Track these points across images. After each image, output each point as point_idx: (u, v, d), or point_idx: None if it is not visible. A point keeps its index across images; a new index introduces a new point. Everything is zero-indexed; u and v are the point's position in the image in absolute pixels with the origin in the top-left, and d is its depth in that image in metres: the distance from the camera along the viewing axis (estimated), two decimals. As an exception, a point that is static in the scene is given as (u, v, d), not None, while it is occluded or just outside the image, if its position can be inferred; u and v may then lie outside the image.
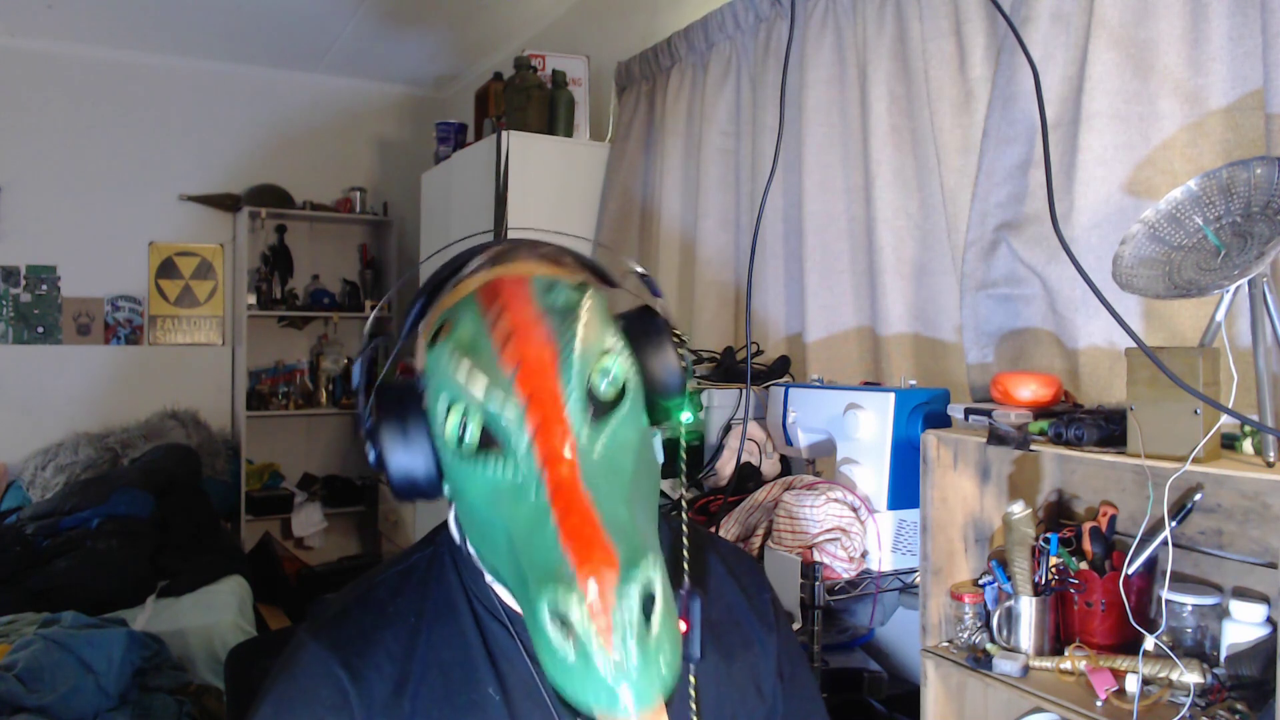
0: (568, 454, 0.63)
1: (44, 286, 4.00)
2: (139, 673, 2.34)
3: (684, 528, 0.79)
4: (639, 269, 0.82)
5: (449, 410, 0.67)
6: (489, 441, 0.66)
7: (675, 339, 0.76)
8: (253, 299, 4.12)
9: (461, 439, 0.67)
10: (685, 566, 0.74)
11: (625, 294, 0.83)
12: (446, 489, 0.72)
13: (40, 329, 4.00)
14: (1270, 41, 1.18)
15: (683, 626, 0.70)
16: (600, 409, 0.67)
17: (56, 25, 3.76)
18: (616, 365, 0.69)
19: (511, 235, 0.84)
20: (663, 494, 1.78)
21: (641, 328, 0.75)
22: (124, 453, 3.83)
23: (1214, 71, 1.27)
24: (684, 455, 0.79)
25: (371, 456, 0.73)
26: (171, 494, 3.50)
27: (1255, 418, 0.98)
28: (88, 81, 4.02)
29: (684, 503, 0.80)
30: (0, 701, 2.03)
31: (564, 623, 0.57)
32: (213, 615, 2.86)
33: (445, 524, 0.84)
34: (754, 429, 1.75)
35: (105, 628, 2.34)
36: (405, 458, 0.70)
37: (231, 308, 4.35)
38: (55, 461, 3.73)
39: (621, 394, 0.69)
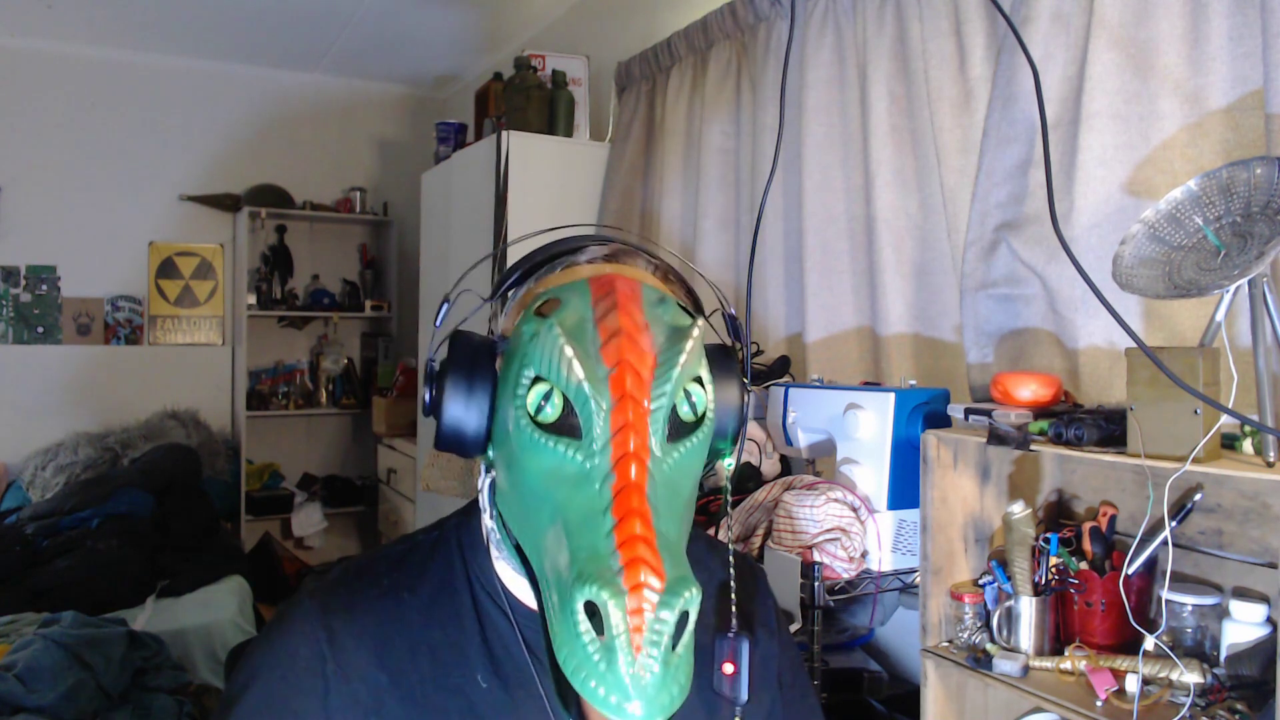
0: (643, 458, 0.63)
1: (44, 286, 4.00)
2: (139, 673, 2.33)
3: (731, 570, 0.78)
4: (731, 311, 0.82)
5: (534, 383, 0.67)
6: (565, 421, 0.66)
7: (744, 386, 0.77)
8: (253, 299, 4.13)
9: (540, 411, 0.67)
10: (734, 609, 0.74)
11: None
12: (490, 452, 0.72)
13: (40, 329, 4.00)
14: (1270, 41, 1.18)
15: (729, 669, 0.70)
16: (676, 431, 0.68)
17: (56, 25, 3.76)
18: (701, 395, 0.70)
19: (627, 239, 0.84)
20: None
21: (717, 366, 0.75)
22: (124, 453, 3.82)
23: (1214, 71, 1.27)
24: (729, 499, 0.78)
25: (427, 397, 0.73)
26: (171, 494, 3.50)
27: (1255, 418, 0.98)
28: (88, 81, 4.02)
29: (731, 545, 0.80)
30: (0, 701, 2.03)
31: (594, 614, 0.58)
32: (213, 615, 2.86)
33: (455, 511, 0.84)
34: (754, 429, 1.75)
35: (105, 628, 2.34)
36: (461, 409, 0.70)
37: (231, 308, 4.36)
38: (55, 461, 3.73)
39: (699, 422, 0.70)
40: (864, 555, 1.43)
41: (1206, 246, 1.06)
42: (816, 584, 1.36)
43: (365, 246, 4.61)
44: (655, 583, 0.57)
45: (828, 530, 1.40)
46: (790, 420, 1.62)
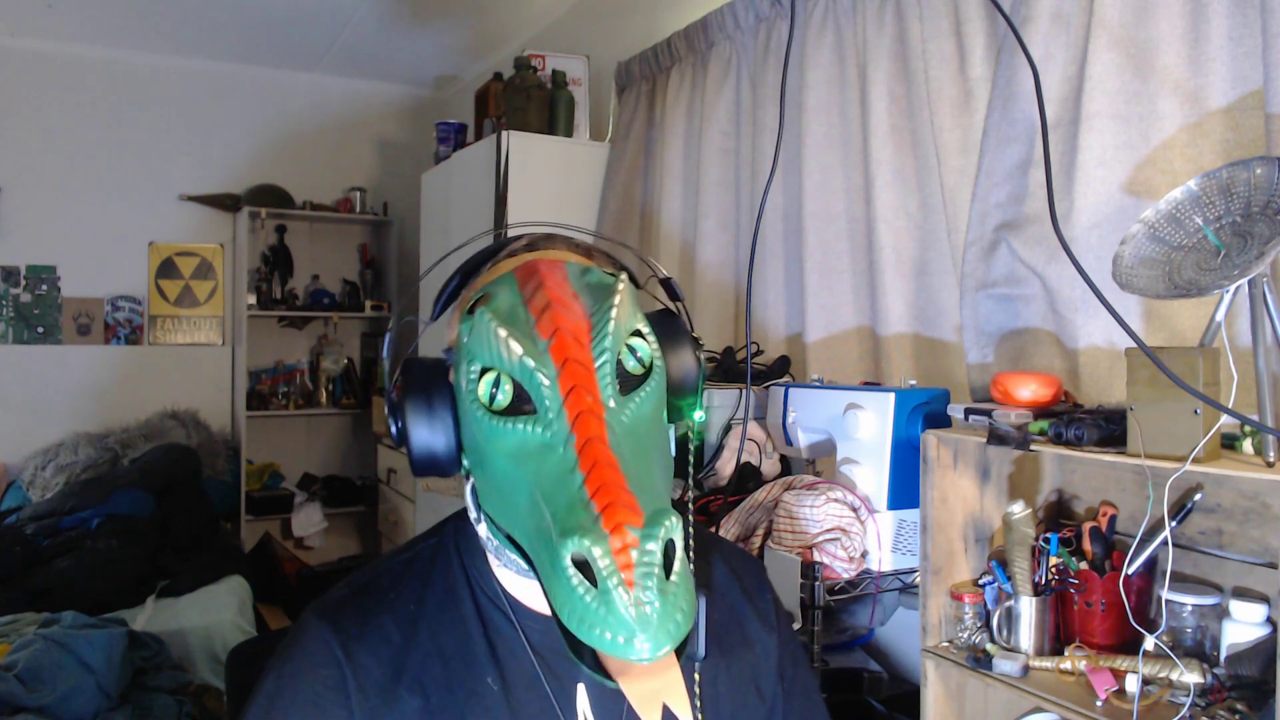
0: (598, 413, 0.65)
1: (44, 286, 4.00)
2: (139, 673, 2.34)
3: (690, 529, 0.79)
4: (663, 273, 0.84)
5: (482, 374, 0.69)
6: (519, 403, 0.68)
7: (693, 341, 0.79)
8: (253, 299, 4.12)
9: (493, 400, 0.69)
10: (690, 567, 0.74)
11: (647, 296, 0.85)
12: (465, 462, 0.74)
13: (40, 329, 4.00)
14: (1270, 41, 1.18)
15: None
16: (627, 384, 0.70)
17: (56, 25, 3.76)
18: (644, 346, 0.72)
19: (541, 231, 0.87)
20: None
21: (661, 329, 0.77)
22: (124, 453, 3.82)
23: (1214, 71, 1.27)
24: (692, 457, 0.80)
25: (394, 429, 0.74)
26: (171, 494, 3.50)
27: (1255, 418, 0.98)
28: (88, 81, 4.02)
29: (689, 504, 0.81)
30: (0, 701, 2.03)
31: (585, 568, 0.59)
32: (213, 615, 2.86)
33: (452, 516, 0.85)
34: (754, 429, 1.75)
35: (105, 628, 2.34)
36: (427, 432, 0.72)
37: (231, 308, 4.35)
38: (55, 461, 3.73)
39: (647, 373, 0.72)
40: (864, 555, 1.43)
41: (1206, 246, 1.06)
42: (816, 584, 1.36)
43: (365, 246, 4.61)
44: (634, 519, 0.58)
45: (828, 530, 1.40)
46: (790, 420, 1.62)
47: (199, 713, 2.41)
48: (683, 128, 2.50)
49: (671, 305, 0.82)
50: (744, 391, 1.75)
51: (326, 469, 4.60)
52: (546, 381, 0.66)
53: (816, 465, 1.73)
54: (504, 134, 2.62)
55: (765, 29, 2.17)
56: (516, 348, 0.66)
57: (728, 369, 1.97)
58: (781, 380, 1.82)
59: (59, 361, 4.03)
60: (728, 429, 1.77)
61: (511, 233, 0.83)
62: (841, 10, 1.92)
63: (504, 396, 0.68)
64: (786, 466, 1.82)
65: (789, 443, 1.65)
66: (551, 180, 2.73)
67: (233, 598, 3.03)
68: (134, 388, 4.13)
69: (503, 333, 0.67)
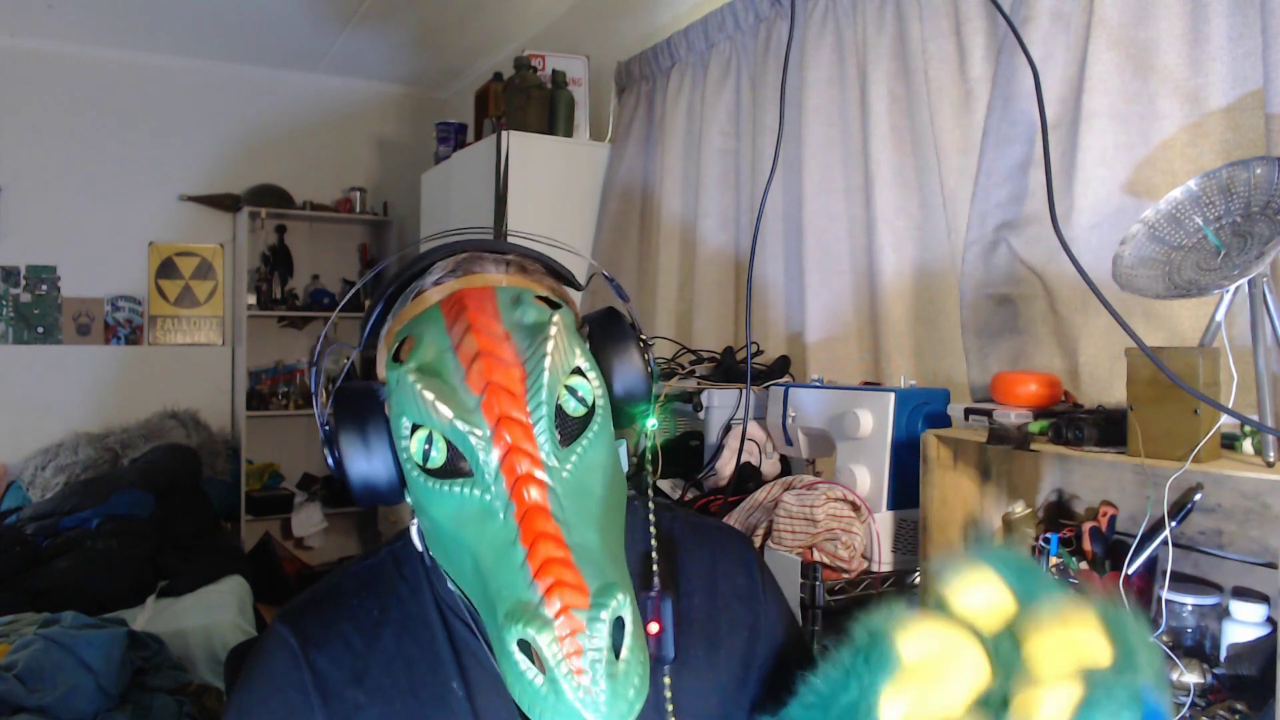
0: (537, 477, 0.62)
1: (44, 286, 4.00)
2: (139, 673, 2.34)
3: (652, 529, 0.78)
4: (605, 273, 0.81)
5: (414, 430, 0.66)
6: (455, 461, 0.65)
7: (640, 343, 0.75)
8: (253, 299, 4.12)
9: (427, 458, 0.65)
10: (655, 568, 0.73)
11: (589, 295, 0.83)
12: (409, 497, 0.71)
13: (40, 329, 4.00)
14: (1270, 41, 1.18)
15: (654, 628, 0.69)
16: (569, 430, 0.66)
17: (56, 25, 3.76)
18: (585, 385, 0.68)
19: (473, 237, 0.82)
20: (661, 493, 1.78)
21: (605, 332, 0.73)
22: (124, 453, 3.83)
23: (1214, 71, 1.27)
24: (650, 459, 0.78)
25: (330, 461, 0.71)
26: (171, 494, 3.50)
27: (1255, 418, 0.98)
28: (88, 81, 4.02)
29: (650, 503, 0.78)
30: (0, 701, 2.03)
31: (532, 651, 0.57)
32: (213, 615, 2.86)
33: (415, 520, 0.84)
34: (754, 429, 1.75)
35: (105, 628, 2.34)
36: (365, 464, 0.69)
37: (231, 308, 4.36)
38: (55, 461, 3.73)
39: (590, 413, 0.68)
40: (864, 555, 1.43)
41: (1206, 246, 1.06)
42: (816, 584, 1.36)
43: (365, 246, 4.61)
44: (579, 601, 0.56)
45: (828, 530, 1.40)
46: (790, 420, 1.62)
47: (199, 713, 2.41)
48: (683, 128, 2.50)
49: (619, 305, 0.77)
50: (744, 391, 1.75)
51: (326, 469, 4.59)
52: (481, 444, 0.62)
53: (816, 465, 1.73)
54: (504, 134, 2.62)
55: (765, 29, 2.17)
56: (446, 410, 0.63)
57: (728, 369, 1.97)
58: (781, 380, 1.82)
59: (59, 361, 4.03)
60: (728, 429, 1.77)
61: (431, 244, 0.77)
62: (841, 10, 1.92)
63: (439, 454, 0.65)
64: (786, 466, 1.82)
65: (789, 443, 1.65)
66: (551, 180, 2.73)
67: (233, 598, 3.03)
68: (134, 388, 4.13)
69: (429, 395, 0.63)
